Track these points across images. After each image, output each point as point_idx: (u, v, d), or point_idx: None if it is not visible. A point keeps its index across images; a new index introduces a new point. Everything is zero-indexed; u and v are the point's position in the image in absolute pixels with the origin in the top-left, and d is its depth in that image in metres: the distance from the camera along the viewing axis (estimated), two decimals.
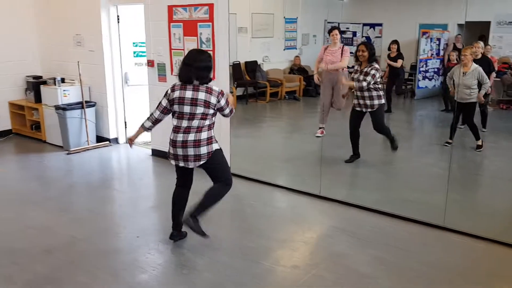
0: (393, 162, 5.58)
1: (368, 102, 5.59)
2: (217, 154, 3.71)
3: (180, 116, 3.65)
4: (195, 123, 3.60)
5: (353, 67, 5.75)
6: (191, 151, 3.63)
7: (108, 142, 7.29)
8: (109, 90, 7.14)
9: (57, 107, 6.90)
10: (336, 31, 6.43)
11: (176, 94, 3.61)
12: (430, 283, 3.43)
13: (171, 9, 5.94)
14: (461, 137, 6.16)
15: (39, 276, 3.52)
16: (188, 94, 3.57)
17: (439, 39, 6.82)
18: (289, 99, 8.79)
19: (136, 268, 3.63)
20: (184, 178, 3.94)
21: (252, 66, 8.73)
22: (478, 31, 6.48)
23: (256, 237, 4.11)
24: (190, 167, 3.73)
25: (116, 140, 7.38)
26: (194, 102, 3.56)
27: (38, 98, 7.44)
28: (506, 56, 6.36)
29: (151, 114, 3.87)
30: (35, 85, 7.47)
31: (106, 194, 5.31)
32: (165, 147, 6.46)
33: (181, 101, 3.59)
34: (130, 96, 7.27)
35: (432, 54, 6.75)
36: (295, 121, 8.76)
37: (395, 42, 6.43)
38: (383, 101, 5.65)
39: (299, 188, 5.26)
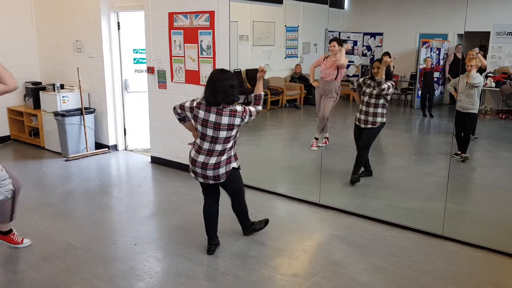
0: (393, 171, 5.56)
1: (370, 118, 5.40)
2: (234, 173, 3.79)
3: (202, 137, 3.62)
4: (218, 147, 3.61)
5: (362, 80, 5.53)
6: (210, 173, 3.67)
7: (107, 149, 7.27)
8: (109, 97, 7.13)
9: (56, 114, 6.88)
10: (334, 43, 6.40)
11: (201, 114, 3.55)
12: None
13: (171, 16, 5.95)
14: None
15: (35, 283, 3.49)
16: (212, 117, 3.52)
17: (439, 49, 6.84)
18: (289, 107, 8.79)
19: (133, 276, 3.60)
20: (208, 191, 3.94)
21: (253, 74, 8.72)
22: (477, 41, 6.50)
23: (255, 245, 4.08)
24: (210, 183, 3.78)
25: (115, 147, 7.36)
26: (217, 126, 3.53)
27: (37, 104, 7.43)
28: (506, 66, 6.38)
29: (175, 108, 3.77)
30: (34, 91, 7.46)
31: (104, 201, 5.28)
32: (164, 154, 6.49)
33: (205, 123, 3.55)
34: (130, 103, 7.27)
35: (432, 64, 6.76)
36: (295, 129, 8.75)
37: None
38: (384, 119, 5.42)
39: (299, 196, 5.24)
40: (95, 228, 4.51)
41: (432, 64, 6.74)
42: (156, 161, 6.63)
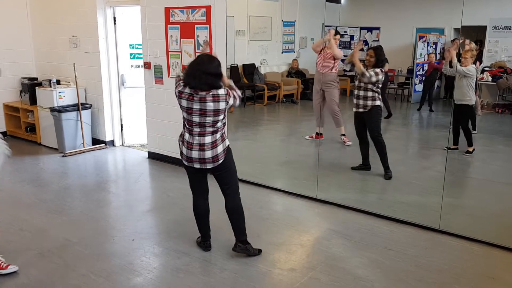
0: (390, 165, 5.57)
1: (361, 102, 5.50)
2: (230, 152, 3.66)
3: (189, 123, 3.53)
4: (208, 128, 3.51)
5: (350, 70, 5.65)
6: (208, 154, 3.52)
7: (104, 144, 7.25)
8: (105, 92, 7.11)
9: (53, 109, 6.86)
10: (339, 36, 6.42)
11: (184, 103, 3.48)
12: (426, 285, 3.41)
13: (168, 11, 5.93)
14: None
15: (33, 280, 3.49)
16: (196, 105, 3.43)
17: (435, 43, 6.84)
18: (286, 102, 8.79)
19: (131, 272, 3.60)
20: (198, 184, 3.80)
21: (250, 69, 8.74)
22: (474, 35, 6.51)
23: (253, 240, 4.08)
24: (207, 167, 3.60)
25: (112, 143, 7.34)
26: (203, 112, 3.44)
27: (33, 100, 7.40)
28: (502, 60, 6.39)
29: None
30: (30, 87, 7.43)
31: (101, 197, 5.28)
32: (161, 149, 6.48)
33: (189, 111, 3.47)
34: (127, 99, 7.25)
35: (435, 59, 6.77)
36: (292, 124, 8.76)
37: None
38: (377, 102, 5.46)
39: (296, 191, 5.25)
40: (92, 223, 4.51)
41: (436, 59, 6.74)
42: (153, 156, 6.63)
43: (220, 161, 3.57)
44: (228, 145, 3.64)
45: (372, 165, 5.74)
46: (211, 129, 3.52)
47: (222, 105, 3.46)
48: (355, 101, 5.58)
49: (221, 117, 3.52)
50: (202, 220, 3.89)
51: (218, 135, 3.55)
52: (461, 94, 5.93)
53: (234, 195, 3.76)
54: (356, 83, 5.54)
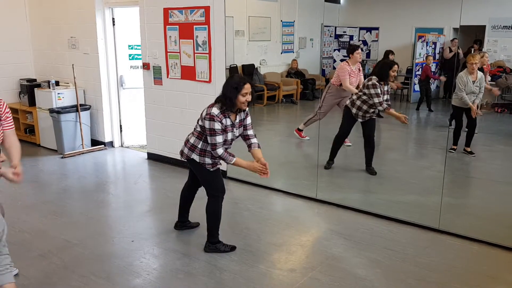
0: (389, 165, 5.58)
1: (371, 110, 5.51)
2: (194, 164, 3.77)
3: None
4: (196, 127, 3.77)
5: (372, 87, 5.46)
6: (183, 146, 3.85)
7: (103, 145, 7.24)
8: (104, 93, 7.10)
9: (52, 111, 6.85)
10: (360, 51, 6.32)
11: None
12: (426, 285, 3.41)
13: (167, 11, 5.93)
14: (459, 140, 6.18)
15: (33, 281, 3.48)
16: None
17: (435, 43, 6.85)
18: (286, 103, 8.79)
19: (130, 273, 3.59)
20: (190, 174, 4.11)
21: (249, 70, 8.73)
22: (473, 35, 6.51)
23: (253, 241, 4.09)
24: (182, 158, 3.89)
25: (111, 144, 7.34)
26: None
27: (32, 101, 7.39)
28: (501, 60, 6.39)
29: None
30: (29, 88, 7.42)
31: (100, 198, 5.27)
32: (160, 150, 6.48)
33: None
34: (126, 99, 7.24)
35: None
36: (292, 124, 8.74)
37: None
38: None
39: (296, 191, 5.25)
40: (92, 225, 4.50)
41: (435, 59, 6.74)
42: (152, 157, 6.62)
43: (183, 159, 3.85)
44: (193, 159, 3.74)
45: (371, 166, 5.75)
46: (197, 128, 3.74)
47: (203, 113, 3.61)
48: (361, 113, 5.55)
49: (200, 122, 3.68)
50: (181, 202, 4.24)
51: (193, 139, 3.75)
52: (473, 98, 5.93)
53: (208, 198, 3.86)
54: (376, 100, 5.46)
